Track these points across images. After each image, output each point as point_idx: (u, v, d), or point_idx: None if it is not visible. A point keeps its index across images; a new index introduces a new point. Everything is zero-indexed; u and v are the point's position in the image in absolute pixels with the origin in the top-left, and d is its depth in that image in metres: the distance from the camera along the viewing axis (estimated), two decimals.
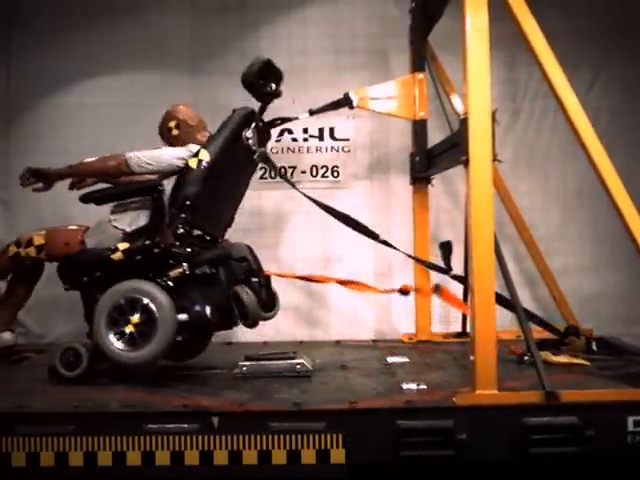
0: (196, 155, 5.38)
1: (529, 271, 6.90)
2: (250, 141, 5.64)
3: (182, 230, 5.32)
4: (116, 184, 5.77)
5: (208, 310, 5.19)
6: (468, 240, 4.70)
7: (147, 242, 5.29)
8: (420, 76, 6.50)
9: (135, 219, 5.41)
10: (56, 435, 4.34)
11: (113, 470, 4.34)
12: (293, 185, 6.08)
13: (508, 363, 5.35)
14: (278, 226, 7.28)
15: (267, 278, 5.71)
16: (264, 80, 5.76)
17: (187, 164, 5.38)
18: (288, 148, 7.25)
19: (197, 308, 5.21)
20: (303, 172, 7.33)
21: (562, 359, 5.53)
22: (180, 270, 5.20)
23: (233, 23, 7.39)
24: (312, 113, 6.28)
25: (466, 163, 4.60)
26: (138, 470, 4.35)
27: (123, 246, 5.30)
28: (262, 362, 5.43)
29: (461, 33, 4.62)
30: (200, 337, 5.72)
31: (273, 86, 5.80)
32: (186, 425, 4.39)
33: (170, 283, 5.20)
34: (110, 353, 5.10)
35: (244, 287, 5.34)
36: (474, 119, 4.56)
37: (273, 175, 7.04)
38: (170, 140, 5.72)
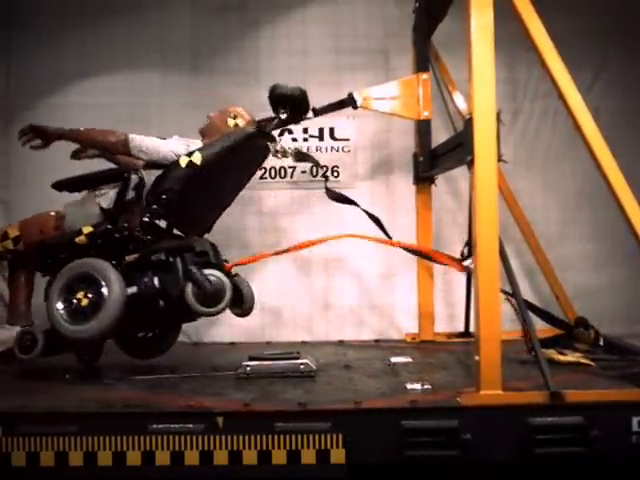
0: (189, 155, 5.35)
1: (532, 270, 6.90)
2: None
3: (148, 219, 5.33)
4: (114, 162, 5.83)
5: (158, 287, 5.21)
6: (472, 240, 4.70)
7: (109, 227, 5.32)
8: (424, 76, 6.50)
9: (113, 198, 5.45)
10: (58, 435, 4.34)
11: (116, 470, 4.34)
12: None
13: (512, 363, 5.33)
14: (280, 227, 7.25)
15: (229, 274, 5.69)
16: (293, 106, 5.81)
17: (177, 159, 5.35)
18: (288, 148, 7.18)
19: (148, 290, 5.22)
20: (303, 172, 7.32)
21: (567, 358, 5.53)
22: (133, 256, 5.27)
23: (233, 23, 7.38)
24: (315, 113, 6.28)
25: (471, 163, 4.59)
26: (141, 470, 4.35)
27: (87, 230, 5.34)
28: (266, 362, 5.42)
29: (466, 33, 4.62)
30: (162, 330, 5.81)
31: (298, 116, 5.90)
32: (191, 425, 4.38)
33: (126, 266, 5.26)
34: (59, 327, 5.11)
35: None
36: (479, 119, 4.55)
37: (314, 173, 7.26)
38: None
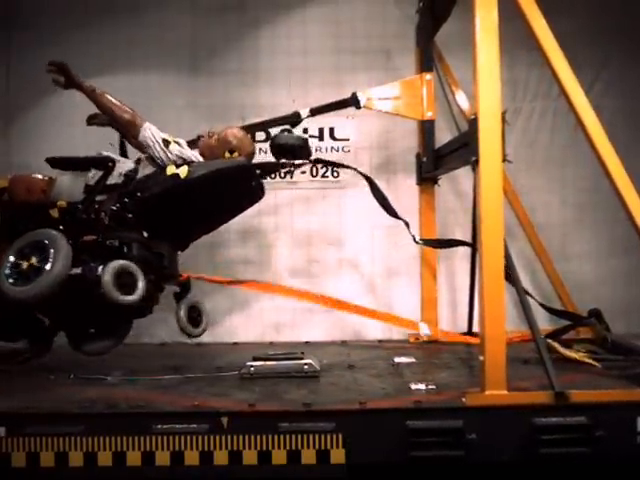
0: (177, 166, 5.37)
1: (535, 271, 6.91)
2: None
3: (116, 209, 5.35)
4: (123, 138, 5.91)
5: (101, 271, 5.14)
6: (477, 240, 4.70)
7: (79, 206, 5.39)
8: (428, 76, 6.51)
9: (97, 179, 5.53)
10: (63, 435, 4.34)
11: (116, 471, 4.35)
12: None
13: (517, 363, 5.34)
14: (275, 227, 7.24)
15: (186, 281, 5.84)
16: (294, 156, 5.87)
17: (166, 166, 5.40)
18: None
19: (90, 275, 5.20)
20: (303, 172, 7.29)
21: (572, 354, 5.54)
22: (93, 237, 5.30)
23: (233, 23, 7.38)
24: (313, 112, 6.30)
25: (476, 163, 4.59)
26: (144, 471, 4.35)
27: (61, 204, 5.41)
28: (270, 362, 5.42)
29: (471, 33, 4.62)
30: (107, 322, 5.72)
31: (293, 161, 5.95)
32: (195, 425, 4.38)
33: (80, 246, 5.28)
34: (4, 289, 5.08)
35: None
36: (484, 119, 4.56)
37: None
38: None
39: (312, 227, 7.23)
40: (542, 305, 6.28)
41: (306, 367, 5.37)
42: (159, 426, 4.37)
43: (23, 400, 4.72)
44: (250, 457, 4.33)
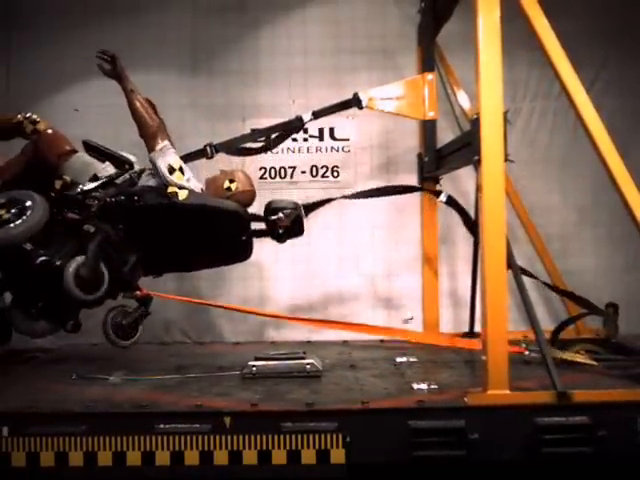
0: (180, 188, 5.57)
1: (537, 271, 6.90)
2: None
3: (109, 202, 5.52)
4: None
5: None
6: (479, 240, 4.71)
7: (77, 190, 5.56)
8: (430, 76, 6.49)
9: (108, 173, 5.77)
10: (65, 435, 4.35)
11: (116, 471, 4.36)
12: None
13: (519, 363, 5.34)
14: None
15: (146, 298, 5.87)
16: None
17: (168, 185, 5.58)
18: (288, 148, 7.21)
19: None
20: (303, 172, 7.32)
21: (566, 357, 5.54)
22: (76, 217, 5.44)
23: (233, 23, 7.36)
24: (316, 115, 6.32)
25: (478, 163, 4.60)
26: (144, 470, 4.36)
27: (65, 179, 5.62)
28: (272, 362, 5.42)
29: (473, 33, 4.63)
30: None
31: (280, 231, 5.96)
32: (198, 425, 4.39)
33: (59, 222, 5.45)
34: None
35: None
36: (486, 119, 4.58)
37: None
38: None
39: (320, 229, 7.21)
40: (555, 289, 6.32)
41: (308, 367, 5.37)
42: (161, 426, 4.38)
43: (25, 400, 4.73)
44: (251, 457, 4.34)
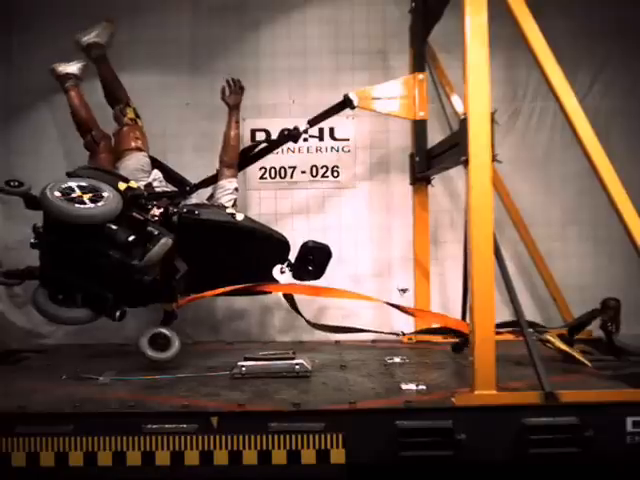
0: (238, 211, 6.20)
1: (529, 272, 6.90)
2: None
3: (172, 211, 5.89)
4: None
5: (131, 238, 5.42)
6: (467, 240, 4.70)
7: (145, 194, 5.93)
8: (420, 76, 6.47)
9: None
10: (55, 435, 4.38)
11: (112, 470, 4.38)
12: None
13: (510, 364, 5.33)
14: (275, 227, 7.23)
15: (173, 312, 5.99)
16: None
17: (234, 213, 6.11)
18: (288, 148, 7.20)
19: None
20: (303, 172, 7.31)
21: (565, 347, 5.54)
22: (139, 216, 5.65)
23: (233, 23, 7.35)
24: (311, 123, 6.51)
25: (466, 163, 4.60)
26: (137, 470, 4.39)
27: (132, 184, 5.85)
28: (261, 362, 5.43)
29: (460, 33, 4.62)
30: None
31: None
32: (185, 425, 4.41)
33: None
34: (55, 208, 5.28)
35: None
36: (473, 119, 4.57)
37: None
38: None
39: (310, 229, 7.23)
40: None
41: (297, 367, 5.37)
42: (149, 426, 4.40)
43: (14, 400, 4.74)
44: (250, 457, 4.38)
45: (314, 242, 6.32)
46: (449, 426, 4.40)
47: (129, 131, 6.48)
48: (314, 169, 7.32)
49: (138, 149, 6.39)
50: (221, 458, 4.38)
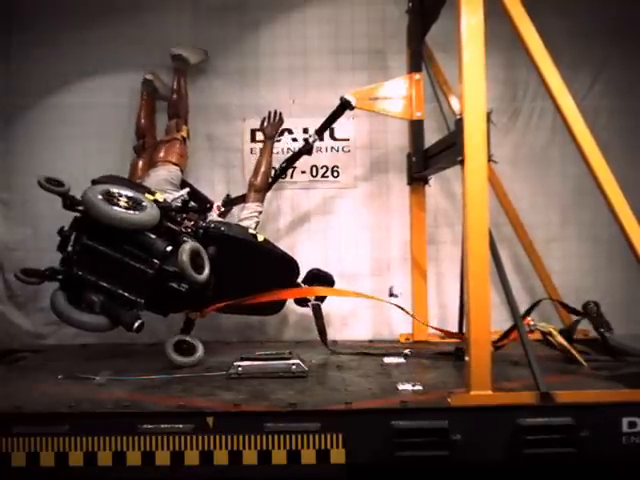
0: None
1: (526, 272, 6.89)
2: None
3: (202, 223, 6.19)
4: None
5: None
6: (464, 240, 4.70)
7: (172, 206, 6.17)
8: (417, 76, 6.47)
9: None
10: (52, 435, 4.40)
11: (113, 470, 4.40)
12: None
13: (503, 364, 5.33)
14: (275, 227, 7.25)
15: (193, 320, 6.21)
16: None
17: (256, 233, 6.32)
18: (288, 148, 7.19)
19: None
20: (303, 172, 7.29)
21: (565, 343, 5.55)
22: (174, 227, 5.95)
23: (233, 23, 7.34)
24: (319, 133, 6.65)
25: (462, 163, 4.60)
26: (137, 470, 4.41)
27: (157, 197, 6.05)
28: (258, 362, 5.44)
29: (456, 33, 4.62)
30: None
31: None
32: (181, 425, 4.42)
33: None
34: (110, 212, 5.48)
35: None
36: (469, 119, 4.58)
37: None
38: None
39: (309, 229, 7.27)
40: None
41: (294, 367, 5.39)
42: (146, 426, 4.42)
43: (10, 400, 4.76)
44: (247, 457, 4.40)
45: (319, 270, 6.60)
46: (445, 426, 4.42)
47: (175, 145, 6.73)
48: (314, 169, 7.31)
49: (175, 163, 6.61)
50: (221, 458, 4.40)
